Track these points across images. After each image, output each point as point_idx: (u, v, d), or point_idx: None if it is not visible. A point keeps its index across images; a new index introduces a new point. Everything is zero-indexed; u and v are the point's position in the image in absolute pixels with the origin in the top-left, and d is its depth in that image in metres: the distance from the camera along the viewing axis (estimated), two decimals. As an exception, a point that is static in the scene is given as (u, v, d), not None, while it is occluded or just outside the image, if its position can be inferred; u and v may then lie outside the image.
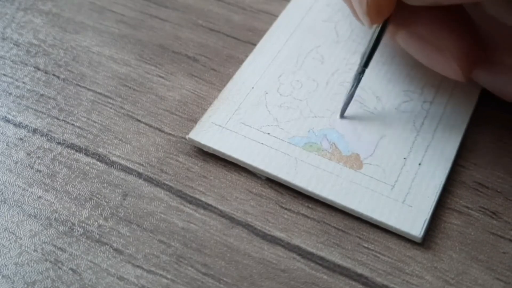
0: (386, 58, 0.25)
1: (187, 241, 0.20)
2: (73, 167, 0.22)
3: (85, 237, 0.20)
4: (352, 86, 0.22)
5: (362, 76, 0.22)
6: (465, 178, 0.22)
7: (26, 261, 0.20)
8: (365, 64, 0.22)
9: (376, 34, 0.21)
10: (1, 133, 0.23)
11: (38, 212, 0.21)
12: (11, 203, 0.21)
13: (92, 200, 0.21)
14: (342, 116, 0.23)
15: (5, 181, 0.22)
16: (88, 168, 0.22)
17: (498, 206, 0.21)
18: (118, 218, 0.21)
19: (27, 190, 0.22)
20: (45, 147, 0.23)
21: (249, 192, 0.21)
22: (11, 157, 0.22)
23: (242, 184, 0.22)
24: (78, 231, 0.20)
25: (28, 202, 0.21)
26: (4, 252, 0.20)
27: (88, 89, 0.25)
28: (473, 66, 0.22)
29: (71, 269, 0.20)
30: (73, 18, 0.27)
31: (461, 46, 0.21)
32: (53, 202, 0.21)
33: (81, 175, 0.22)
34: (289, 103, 0.23)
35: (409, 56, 0.23)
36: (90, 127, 0.23)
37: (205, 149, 0.22)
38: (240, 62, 0.25)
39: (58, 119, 0.24)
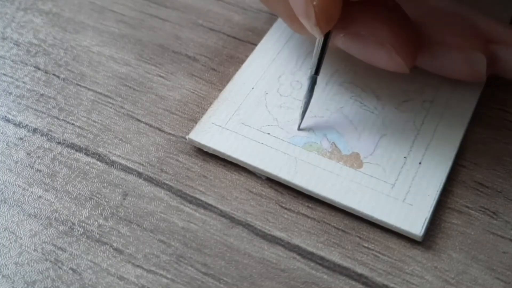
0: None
1: (187, 240, 0.20)
2: (73, 166, 0.22)
3: (85, 236, 0.20)
4: (306, 95, 0.22)
5: (315, 84, 0.22)
6: (465, 177, 0.22)
7: (26, 261, 0.20)
8: (316, 72, 0.22)
9: (321, 42, 0.21)
10: (1, 133, 0.23)
11: (38, 212, 0.21)
12: (11, 202, 0.21)
13: (92, 200, 0.21)
14: (299, 128, 0.22)
15: (5, 180, 0.22)
16: (88, 167, 0.22)
17: (498, 206, 0.21)
18: (118, 218, 0.21)
19: (27, 190, 0.22)
20: (45, 146, 0.23)
21: (249, 191, 0.21)
22: (11, 157, 0.22)
23: (242, 184, 0.22)
24: (78, 230, 0.20)
25: (28, 201, 0.21)
26: (4, 251, 0.20)
27: (88, 89, 0.25)
28: (414, 54, 0.22)
29: (71, 268, 0.20)
30: (73, 18, 0.27)
31: (399, 38, 0.21)
32: (53, 202, 0.21)
33: (81, 174, 0.22)
34: (289, 103, 0.23)
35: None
36: (90, 127, 0.23)
37: (205, 149, 0.22)
38: (240, 62, 0.25)
39: (58, 118, 0.24)
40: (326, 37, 0.21)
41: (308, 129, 0.23)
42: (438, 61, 0.22)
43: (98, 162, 0.22)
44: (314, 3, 0.19)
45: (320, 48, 0.21)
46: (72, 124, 0.23)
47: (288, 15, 0.22)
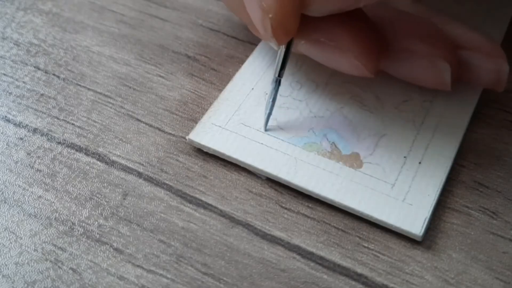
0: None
1: (187, 240, 0.20)
2: (73, 166, 0.22)
3: (85, 236, 0.20)
4: (271, 96, 0.22)
5: (279, 86, 0.22)
6: (465, 177, 0.22)
7: (26, 261, 0.20)
8: (279, 74, 0.22)
9: (283, 49, 0.21)
10: (1, 133, 0.23)
11: (38, 212, 0.21)
12: (11, 202, 0.21)
13: (92, 200, 0.21)
14: (265, 128, 0.22)
15: (5, 180, 0.22)
16: (88, 167, 0.22)
17: (498, 206, 0.21)
18: (118, 218, 0.21)
19: (27, 190, 0.22)
20: (45, 146, 0.23)
21: (249, 191, 0.21)
22: (11, 157, 0.22)
23: (242, 184, 0.22)
24: (78, 230, 0.20)
25: (28, 201, 0.21)
26: (4, 251, 0.20)
27: (88, 89, 0.25)
28: (377, 60, 0.22)
29: (71, 268, 0.20)
30: (73, 18, 0.27)
31: (360, 44, 0.21)
32: (53, 202, 0.21)
33: (81, 174, 0.22)
34: (288, 104, 0.23)
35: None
36: (90, 127, 0.23)
37: (205, 150, 0.22)
38: (240, 62, 0.25)
39: (58, 118, 0.24)
40: (289, 45, 0.21)
41: (308, 129, 0.23)
42: (403, 68, 0.22)
43: (98, 162, 0.22)
44: (270, 15, 0.19)
45: (282, 55, 0.21)
46: (72, 124, 0.23)
47: (250, 23, 0.22)
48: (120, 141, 0.23)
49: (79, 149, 0.23)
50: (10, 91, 0.25)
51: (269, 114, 0.22)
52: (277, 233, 0.20)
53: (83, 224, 0.21)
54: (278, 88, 0.22)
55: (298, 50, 0.22)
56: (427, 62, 0.22)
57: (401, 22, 0.22)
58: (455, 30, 0.22)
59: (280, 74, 0.22)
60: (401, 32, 0.22)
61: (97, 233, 0.20)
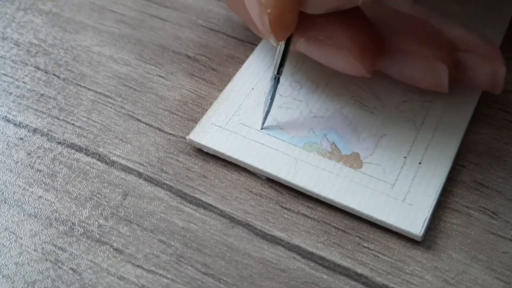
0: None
1: (187, 240, 0.20)
2: (73, 166, 0.22)
3: (85, 236, 0.20)
4: (269, 94, 0.22)
5: (278, 83, 0.22)
6: (465, 177, 0.22)
7: (26, 261, 0.20)
8: (278, 72, 0.22)
9: (282, 47, 0.21)
10: (1, 133, 0.23)
11: (39, 212, 0.21)
12: (11, 202, 0.21)
13: (93, 200, 0.21)
14: (262, 127, 0.22)
15: (6, 180, 0.22)
16: (88, 167, 0.22)
17: (498, 206, 0.21)
18: (118, 218, 0.21)
19: (28, 190, 0.22)
20: (45, 146, 0.23)
21: (249, 192, 0.21)
22: (11, 157, 0.22)
23: (242, 184, 0.22)
24: (78, 230, 0.20)
25: (28, 201, 0.21)
26: (4, 251, 0.20)
27: (88, 89, 0.25)
28: (374, 59, 0.22)
29: (71, 268, 0.20)
30: (73, 18, 0.27)
31: (358, 43, 0.21)
32: (53, 202, 0.21)
33: (81, 174, 0.22)
34: (288, 104, 0.23)
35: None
36: (91, 127, 0.23)
37: (205, 150, 0.22)
38: (240, 62, 0.25)
39: (58, 118, 0.24)
40: (288, 42, 0.21)
41: (308, 129, 0.23)
42: (400, 68, 0.22)
43: (98, 162, 0.22)
44: (268, 11, 0.19)
45: (281, 52, 0.21)
46: (72, 124, 0.23)
47: (249, 21, 0.22)
48: (120, 141, 0.23)
49: (79, 149, 0.23)
50: (10, 91, 0.25)
51: (267, 112, 0.22)
52: (277, 233, 0.20)
53: (83, 224, 0.21)
54: (276, 86, 0.22)
55: (297, 48, 0.22)
56: (424, 63, 0.22)
57: (399, 22, 0.23)
58: (453, 31, 0.22)
59: (279, 72, 0.22)
60: (398, 33, 0.22)
61: (97, 233, 0.20)
